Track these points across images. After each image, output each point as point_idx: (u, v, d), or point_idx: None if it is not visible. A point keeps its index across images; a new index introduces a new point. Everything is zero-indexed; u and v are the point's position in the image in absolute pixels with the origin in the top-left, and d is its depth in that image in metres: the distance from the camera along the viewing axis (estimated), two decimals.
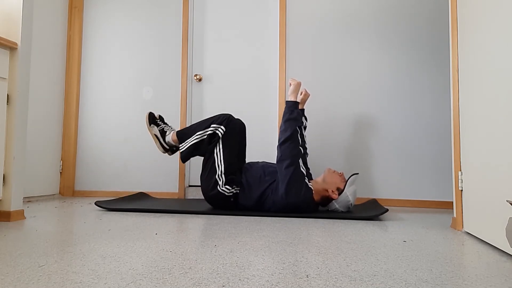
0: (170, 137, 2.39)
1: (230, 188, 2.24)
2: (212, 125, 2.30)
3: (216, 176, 2.25)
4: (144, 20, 3.28)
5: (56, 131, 3.19)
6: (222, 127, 2.29)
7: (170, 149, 2.42)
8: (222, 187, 2.23)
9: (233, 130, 2.32)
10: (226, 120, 2.31)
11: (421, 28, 2.86)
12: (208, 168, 2.29)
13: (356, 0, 2.96)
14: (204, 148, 2.33)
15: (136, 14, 3.30)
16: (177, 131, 2.39)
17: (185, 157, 2.36)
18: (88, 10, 3.37)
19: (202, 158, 2.38)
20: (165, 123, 2.49)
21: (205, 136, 2.30)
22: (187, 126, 2.40)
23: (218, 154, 2.28)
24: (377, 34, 2.92)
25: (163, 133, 2.40)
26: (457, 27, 1.82)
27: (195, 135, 2.32)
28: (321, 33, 3.00)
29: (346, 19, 2.97)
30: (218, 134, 2.29)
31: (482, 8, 1.52)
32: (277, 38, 3.07)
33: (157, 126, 2.41)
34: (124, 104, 3.25)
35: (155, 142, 2.40)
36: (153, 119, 2.43)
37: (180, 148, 2.36)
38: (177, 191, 3.10)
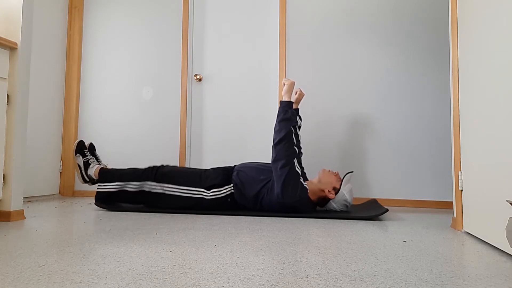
0: (93, 170, 2.36)
1: (219, 189, 2.23)
2: (134, 183, 2.25)
3: (195, 196, 2.22)
4: (144, 20, 3.28)
5: (56, 131, 3.19)
6: (148, 182, 2.25)
7: (91, 181, 2.39)
8: (209, 193, 2.22)
9: (162, 172, 2.28)
10: (150, 172, 2.27)
11: (421, 28, 2.86)
12: (184, 202, 2.23)
13: (356, 0, 2.96)
14: (126, 201, 2.29)
15: (136, 14, 3.30)
16: (101, 168, 2.36)
17: (99, 200, 2.30)
18: (88, 10, 3.37)
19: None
20: (94, 155, 2.46)
21: (128, 189, 2.25)
22: (114, 168, 2.37)
23: (174, 189, 2.24)
24: (377, 34, 2.92)
25: (86, 164, 2.37)
26: (457, 27, 1.82)
27: (116, 182, 2.27)
28: (321, 33, 3.00)
29: (346, 19, 2.97)
30: (146, 189, 2.25)
31: (482, 8, 1.52)
32: (277, 38, 3.07)
33: (83, 157, 2.38)
34: (124, 104, 3.25)
35: (76, 172, 2.37)
36: (80, 149, 2.40)
37: (97, 188, 2.32)
38: None
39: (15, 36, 1.90)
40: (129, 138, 3.21)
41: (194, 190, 2.24)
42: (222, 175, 2.28)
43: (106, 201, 2.31)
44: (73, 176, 3.23)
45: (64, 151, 3.24)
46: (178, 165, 2.48)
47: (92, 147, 2.48)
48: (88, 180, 2.39)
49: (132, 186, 2.27)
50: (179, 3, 3.22)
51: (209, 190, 2.23)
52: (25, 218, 1.95)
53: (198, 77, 3.16)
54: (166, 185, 2.25)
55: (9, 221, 1.83)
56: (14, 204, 1.87)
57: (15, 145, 1.88)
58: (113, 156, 3.21)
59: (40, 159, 3.00)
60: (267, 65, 3.08)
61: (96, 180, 2.36)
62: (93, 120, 3.29)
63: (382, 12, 2.92)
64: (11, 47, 1.88)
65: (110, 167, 2.42)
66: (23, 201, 2.68)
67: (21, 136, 1.92)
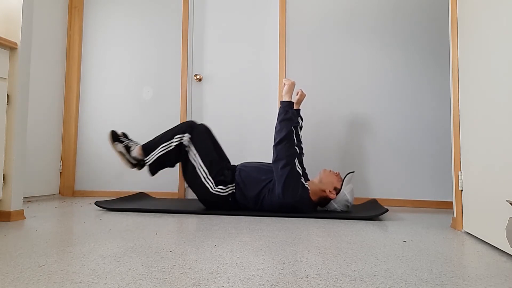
0: (135, 151, 2.36)
1: (224, 187, 2.24)
2: (176, 136, 2.29)
3: (203, 181, 2.24)
4: (144, 20, 3.28)
5: (56, 131, 3.19)
6: (186, 134, 2.29)
7: (138, 164, 2.39)
8: (215, 188, 2.23)
9: (199, 133, 2.32)
10: (189, 127, 2.31)
11: (421, 28, 2.86)
12: (192, 177, 2.27)
13: (356, 1, 2.96)
14: (173, 159, 2.32)
15: (136, 14, 3.30)
16: (142, 145, 2.37)
17: (152, 170, 2.34)
18: (88, 10, 3.37)
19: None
20: (129, 139, 2.46)
21: (172, 147, 2.29)
22: (151, 139, 2.39)
23: (195, 159, 2.27)
24: (377, 34, 2.92)
25: (127, 148, 2.37)
26: (457, 27, 1.82)
27: (160, 147, 2.30)
28: (321, 33, 3.00)
29: (346, 19, 2.97)
30: (184, 143, 2.28)
31: (482, 8, 1.52)
32: (277, 38, 3.07)
33: (121, 143, 2.38)
34: (124, 104, 3.25)
35: (122, 159, 2.37)
36: (116, 137, 2.39)
37: (146, 161, 2.33)
38: (177, 191, 3.10)
39: (15, 36, 1.90)
40: None
41: (207, 176, 2.25)
42: (231, 174, 2.29)
43: (158, 169, 2.33)
44: (73, 176, 3.23)
45: (64, 151, 3.24)
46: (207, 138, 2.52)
47: (125, 135, 2.49)
48: (135, 162, 2.38)
49: (175, 141, 2.29)
50: (179, 3, 3.22)
51: (216, 186, 2.24)
52: (25, 218, 1.95)
53: (198, 77, 3.16)
54: (194, 150, 2.28)
55: (9, 221, 1.83)
56: (14, 204, 1.87)
57: (15, 145, 1.88)
58: (113, 156, 3.20)
59: (40, 159, 3.00)
60: (267, 65, 3.08)
61: (142, 159, 2.36)
62: (93, 120, 3.29)
63: (382, 12, 2.92)
64: (11, 47, 1.88)
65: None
66: (23, 201, 2.68)
67: (21, 136, 1.92)
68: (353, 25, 2.96)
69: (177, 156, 2.32)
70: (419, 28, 2.86)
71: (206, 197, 2.25)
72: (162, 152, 2.29)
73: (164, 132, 2.37)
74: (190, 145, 2.29)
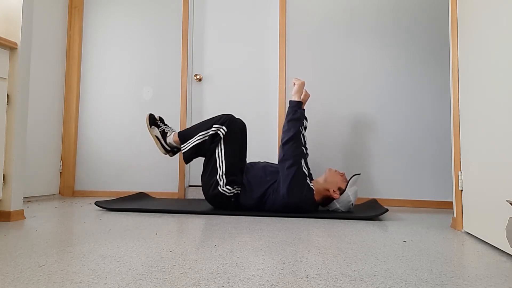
0: (172, 138, 2.38)
1: (231, 188, 2.24)
2: (214, 126, 2.29)
3: (217, 177, 2.25)
4: (144, 20, 3.28)
5: (56, 131, 3.19)
6: (223, 127, 2.28)
7: (172, 150, 2.41)
8: (223, 187, 2.23)
9: (234, 130, 2.32)
10: (228, 120, 2.31)
11: (421, 28, 2.86)
12: (210, 169, 2.28)
13: (356, 1, 2.96)
14: (206, 149, 2.32)
15: (136, 14, 3.30)
16: (178, 132, 2.39)
17: (188, 158, 2.35)
18: (88, 10, 3.37)
19: (203, 158, 2.38)
20: (166, 124, 2.48)
21: (207, 137, 2.29)
22: (189, 127, 2.39)
23: (220, 154, 2.28)
24: (377, 34, 2.92)
25: (164, 134, 2.39)
26: (457, 27, 1.82)
27: (198, 135, 2.31)
28: (321, 33, 3.00)
29: (346, 19, 2.97)
30: (220, 134, 2.28)
31: (482, 8, 1.52)
32: (277, 38, 3.07)
33: (158, 128, 2.40)
34: (124, 104, 3.25)
35: (156, 144, 2.38)
36: (154, 121, 2.41)
37: (182, 149, 2.35)
38: (177, 191, 3.10)
39: (15, 36, 1.90)
40: (129, 138, 3.21)
41: (222, 173, 2.24)
42: (241, 175, 2.30)
43: (193, 157, 2.33)
44: (73, 176, 3.23)
45: (64, 151, 3.24)
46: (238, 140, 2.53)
47: (162, 120, 2.49)
48: (169, 149, 2.39)
49: (212, 131, 2.29)
50: (179, 3, 3.22)
51: (225, 185, 2.23)
52: (25, 218, 1.95)
53: (198, 77, 3.16)
54: (222, 145, 2.28)
55: (9, 221, 1.83)
56: (14, 204, 1.87)
57: (15, 145, 1.88)
58: (113, 156, 3.21)
59: (40, 159, 3.00)
60: (267, 65, 3.08)
61: (177, 148, 2.37)
62: (93, 120, 3.29)
63: (382, 12, 2.92)
64: (11, 47, 1.88)
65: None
66: (23, 201, 2.68)
67: (21, 136, 1.92)
68: (353, 25, 2.96)
69: (209, 146, 2.32)
70: (419, 28, 2.86)
71: (212, 191, 2.24)
72: (199, 140, 2.29)
73: (203, 121, 2.37)
74: (221, 139, 2.29)
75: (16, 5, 1.91)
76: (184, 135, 2.35)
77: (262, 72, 3.09)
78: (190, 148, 2.31)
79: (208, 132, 2.30)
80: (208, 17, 3.22)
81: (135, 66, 3.26)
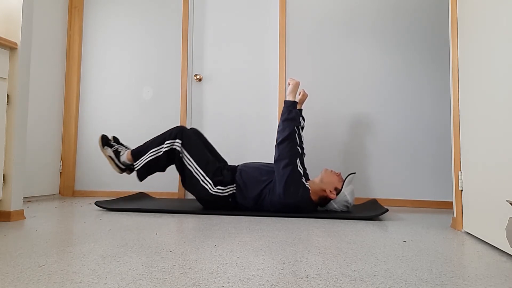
0: (125, 156, 2.36)
1: (223, 188, 2.24)
2: (166, 142, 2.29)
3: (202, 183, 2.24)
4: (144, 20, 3.28)
5: (56, 131, 3.19)
6: (177, 140, 2.28)
7: (127, 168, 2.40)
8: (214, 189, 2.23)
9: (190, 138, 2.32)
10: (179, 132, 2.31)
11: (421, 28, 2.86)
12: (191, 181, 2.27)
13: (356, 1, 2.96)
14: (162, 165, 2.32)
15: (136, 14, 3.30)
16: (131, 150, 2.38)
17: (141, 175, 2.33)
18: (88, 10, 3.37)
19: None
20: (120, 144, 2.47)
21: (161, 153, 2.29)
22: (141, 144, 2.39)
23: (190, 163, 2.27)
24: (377, 34, 2.92)
25: (117, 153, 2.38)
26: (457, 27, 1.82)
27: (149, 152, 2.30)
28: (321, 33, 3.00)
29: (346, 19, 2.97)
30: (176, 148, 2.28)
31: (482, 8, 1.52)
32: (277, 38, 3.07)
33: (111, 147, 2.39)
34: (124, 104, 3.25)
35: (110, 163, 2.37)
36: (106, 141, 2.41)
37: (134, 167, 2.34)
38: (177, 191, 3.10)
39: (15, 36, 1.90)
40: (129, 138, 3.20)
41: (204, 178, 2.24)
42: (231, 174, 2.29)
43: (146, 174, 2.33)
44: (73, 176, 3.23)
45: (64, 151, 3.24)
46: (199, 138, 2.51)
47: (116, 139, 2.49)
48: (124, 167, 2.39)
49: (165, 147, 2.28)
50: (179, 3, 3.22)
51: (215, 186, 2.23)
52: (25, 218, 1.95)
53: (198, 77, 3.16)
54: (188, 155, 2.28)
55: (9, 221, 1.83)
56: (14, 204, 1.87)
57: (15, 145, 1.88)
58: None
59: (40, 159, 3.00)
60: (267, 65, 3.08)
61: (131, 164, 2.37)
62: (93, 120, 3.29)
63: (382, 12, 2.92)
64: (11, 47, 1.88)
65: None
66: (23, 201, 2.68)
67: (21, 136, 1.92)
68: (353, 25, 2.96)
69: (167, 161, 2.31)
70: (419, 28, 2.86)
71: (206, 198, 2.25)
72: (151, 157, 2.29)
73: (154, 138, 2.37)
74: (183, 151, 2.29)
75: (16, 5, 1.91)
76: (137, 153, 2.34)
77: (262, 72, 3.09)
78: (142, 165, 2.30)
79: (161, 149, 2.29)
80: (208, 17, 3.22)
81: (135, 66, 3.26)
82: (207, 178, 2.25)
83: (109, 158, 2.37)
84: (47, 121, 3.08)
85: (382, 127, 2.86)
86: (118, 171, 2.38)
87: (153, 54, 3.24)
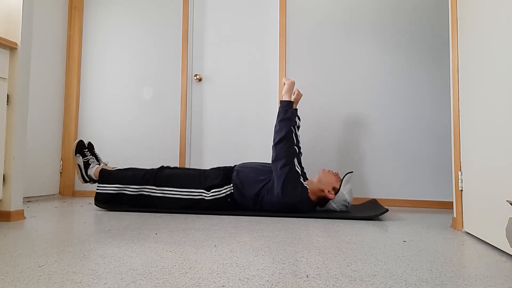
0: (93, 171, 2.36)
1: (219, 189, 2.23)
2: (136, 186, 2.25)
3: (195, 197, 2.23)
4: (144, 20, 3.28)
5: (56, 131, 3.19)
6: (147, 186, 2.25)
7: (91, 181, 2.40)
8: (209, 194, 2.22)
9: (161, 176, 2.28)
10: (148, 177, 2.27)
11: (421, 28, 2.86)
12: (185, 203, 2.23)
13: (356, 1, 2.96)
14: (125, 203, 2.27)
15: (136, 14, 3.30)
16: (102, 168, 2.35)
17: (98, 201, 2.29)
18: (88, 10, 3.37)
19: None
20: (94, 154, 2.46)
21: (127, 192, 2.25)
22: (115, 168, 2.38)
23: (175, 192, 2.24)
24: (377, 34, 2.92)
25: (86, 165, 2.38)
26: (457, 27, 1.82)
27: (116, 184, 2.27)
28: (321, 33, 3.00)
29: (346, 19, 2.97)
30: (145, 192, 2.26)
31: (482, 8, 1.52)
32: (277, 38, 3.07)
33: (83, 157, 2.39)
34: (124, 104, 3.25)
35: (76, 172, 2.38)
36: (80, 149, 2.40)
37: (96, 188, 2.31)
38: None
39: (15, 36, 1.90)
40: (129, 138, 3.21)
41: (194, 191, 2.24)
42: (222, 175, 2.28)
43: (105, 202, 2.30)
44: (73, 176, 3.23)
45: (64, 151, 3.24)
46: (178, 166, 2.47)
47: (91, 146, 2.48)
48: (88, 180, 2.40)
49: (132, 189, 2.27)
50: (179, 3, 3.22)
51: (209, 191, 2.23)
52: (25, 218, 1.95)
53: (198, 77, 3.16)
54: (166, 188, 2.26)
55: (9, 221, 1.83)
56: (14, 204, 1.87)
57: (15, 145, 1.88)
58: (113, 156, 3.21)
59: (40, 159, 3.00)
60: (267, 65, 3.08)
61: (96, 180, 2.37)
62: (93, 120, 3.29)
63: (382, 12, 2.92)
64: (11, 47, 1.88)
65: (111, 168, 2.42)
66: (23, 201, 2.68)
67: (21, 136, 1.92)
68: (353, 25, 2.96)
69: (132, 202, 2.27)
70: (419, 28, 2.86)
71: (206, 205, 2.23)
72: (114, 191, 2.26)
73: (131, 172, 2.31)
74: (161, 190, 2.25)
75: (16, 5, 1.91)
76: (104, 176, 2.31)
77: (262, 72, 3.09)
78: (103, 193, 2.27)
79: (126, 189, 2.25)
80: (208, 17, 3.22)
81: (135, 66, 3.26)
82: (196, 190, 2.23)
83: (77, 166, 2.38)
84: (47, 121, 3.08)
85: (382, 127, 2.86)
86: (81, 181, 2.39)
87: (153, 54, 3.24)
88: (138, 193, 2.27)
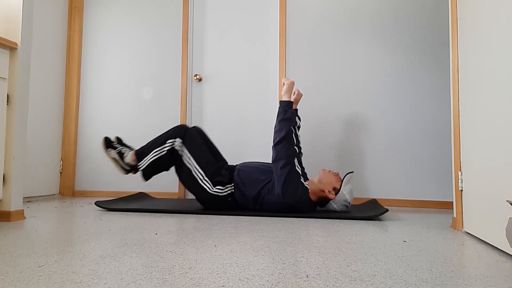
0: (129, 157, 2.36)
1: (222, 187, 2.24)
2: (168, 141, 2.29)
3: (200, 183, 2.25)
4: (144, 20, 3.28)
5: (56, 131, 3.19)
6: (177, 139, 2.29)
7: (132, 169, 2.40)
8: (213, 189, 2.23)
9: (191, 137, 2.32)
10: (179, 130, 2.31)
11: (421, 28, 2.86)
12: (189, 180, 2.28)
13: (356, 1, 2.96)
14: (166, 164, 2.32)
15: (136, 14, 3.30)
16: (135, 151, 2.38)
17: (146, 175, 2.34)
18: (88, 10, 3.37)
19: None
20: (124, 144, 2.46)
21: (164, 152, 2.29)
22: (144, 144, 2.40)
23: (190, 163, 2.28)
24: (377, 34, 2.92)
25: (121, 155, 2.38)
26: (457, 27, 1.82)
27: (153, 152, 2.30)
28: (321, 33, 3.00)
29: (346, 19, 2.97)
30: (175, 147, 2.28)
31: (482, 8, 1.52)
32: (277, 38, 3.07)
33: (114, 149, 2.39)
34: (124, 104, 3.25)
35: (115, 165, 2.38)
36: (109, 143, 2.40)
37: (139, 167, 2.34)
38: (177, 191, 3.10)
39: (15, 36, 1.90)
40: (129, 138, 3.20)
41: (203, 178, 2.25)
42: (229, 174, 2.29)
43: (152, 174, 2.34)
44: (73, 176, 3.23)
45: (64, 151, 3.24)
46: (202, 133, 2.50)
47: (119, 140, 2.49)
48: (129, 168, 2.39)
49: (167, 146, 2.29)
50: (179, 3, 3.22)
51: (213, 186, 2.24)
52: (25, 218, 1.95)
53: (198, 77, 3.16)
54: (188, 153, 2.28)
55: (9, 221, 1.83)
56: (14, 204, 1.87)
57: (15, 145, 1.88)
58: None
59: (40, 159, 3.00)
60: (267, 65, 3.09)
61: (135, 164, 2.37)
62: (93, 120, 3.29)
63: (382, 12, 2.92)
64: (11, 47, 1.88)
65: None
66: (23, 201, 2.68)
67: (21, 136, 1.92)
68: (353, 25, 2.96)
69: (171, 160, 2.32)
70: (419, 28, 2.86)
71: (205, 198, 2.25)
72: (155, 157, 2.30)
73: (157, 137, 2.37)
74: (183, 149, 2.29)
75: (16, 5, 1.91)
76: (140, 153, 2.34)
77: (262, 72, 3.09)
78: (147, 166, 2.31)
79: (164, 148, 2.29)
80: (208, 17, 3.22)
81: (135, 66, 3.26)
82: (206, 178, 2.25)
83: (113, 160, 2.37)
84: (47, 121, 3.08)
85: (382, 127, 2.86)
86: (123, 173, 2.38)
87: (153, 54, 3.24)
88: (171, 147, 2.29)
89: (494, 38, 1.39)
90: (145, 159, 2.31)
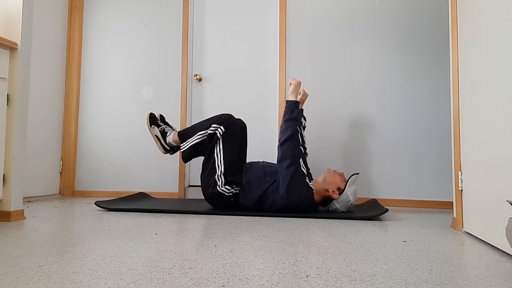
0: (171, 137, 2.38)
1: (230, 188, 2.24)
2: (212, 125, 2.30)
3: (216, 177, 2.25)
4: (144, 20, 3.28)
5: (56, 131, 3.19)
6: (221, 127, 2.29)
7: (172, 149, 2.42)
8: (222, 187, 2.23)
9: (232, 130, 2.32)
10: (227, 120, 2.31)
11: (422, 28, 2.86)
12: (208, 168, 2.29)
13: (356, 1, 2.96)
14: (205, 148, 2.33)
15: (136, 14, 3.30)
16: (178, 132, 2.39)
17: (186, 157, 2.35)
18: (88, 10, 3.37)
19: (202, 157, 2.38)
20: (166, 123, 2.48)
21: (206, 136, 2.30)
22: (188, 126, 2.39)
23: (218, 154, 2.28)
24: (377, 34, 2.92)
25: (163, 133, 2.40)
26: (457, 27, 1.82)
27: (197, 135, 2.32)
28: (321, 33, 3.00)
29: (346, 19, 2.97)
30: (217, 134, 2.29)
31: (482, 8, 1.52)
32: (277, 38, 3.07)
33: (158, 127, 2.41)
34: (124, 104, 3.25)
35: (156, 143, 2.39)
36: (154, 120, 2.42)
37: (181, 148, 2.36)
38: (177, 191, 3.10)
39: (15, 36, 1.90)
40: (129, 138, 3.21)
41: (221, 173, 2.25)
42: (239, 175, 2.30)
43: (192, 156, 2.34)
44: (73, 176, 3.23)
45: (64, 151, 3.24)
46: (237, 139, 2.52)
47: (162, 118, 2.49)
48: (169, 148, 2.40)
49: (210, 131, 2.29)
50: (179, 3, 3.22)
51: (224, 185, 2.24)
52: (25, 218, 1.95)
53: (198, 77, 3.16)
54: (221, 145, 2.29)
55: (9, 221, 1.83)
56: (14, 204, 1.87)
57: (15, 145, 1.88)
58: (113, 156, 3.21)
59: (40, 159, 3.00)
60: (267, 65, 3.08)
61: (177, 147, 2.39)
62: (93, 120, 3.29)
63: (382, 12, 2.92)
64: (11, 47, 1.88)
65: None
66: (23, 201, 2.68)
67: (21, 136, 1.92)
68: (354, 25, 2.96)
69: (208, 145, 2.32)
70: (419, 28, 2.86)
71: (211, 191, 2.25)
72: (198, 140, 2.30)
73: (202, 121, 2.38)
74: (220, 139, 2.30)
75: (16, 5, 1.91)
76: (184, 135, 2.36)
77: (262, 72, 3.09)
78: (189, 147, 2.32)
79: (207, 132, 2.30)
80: (208, 16, 3.22)
81: (135, 66, 3.26)
82: (222, 176, 2.25)
83: (155, 137, 2.38)
84: (47, 121, 3.08)
85: (382, 127, 2.86)
86: (162, 151, 2.39)
87: (153, 54, 3.24)
88: (214, 132, 2.29)
89: (494, 38, 1.39)
90: (188, 140, 2.32)
